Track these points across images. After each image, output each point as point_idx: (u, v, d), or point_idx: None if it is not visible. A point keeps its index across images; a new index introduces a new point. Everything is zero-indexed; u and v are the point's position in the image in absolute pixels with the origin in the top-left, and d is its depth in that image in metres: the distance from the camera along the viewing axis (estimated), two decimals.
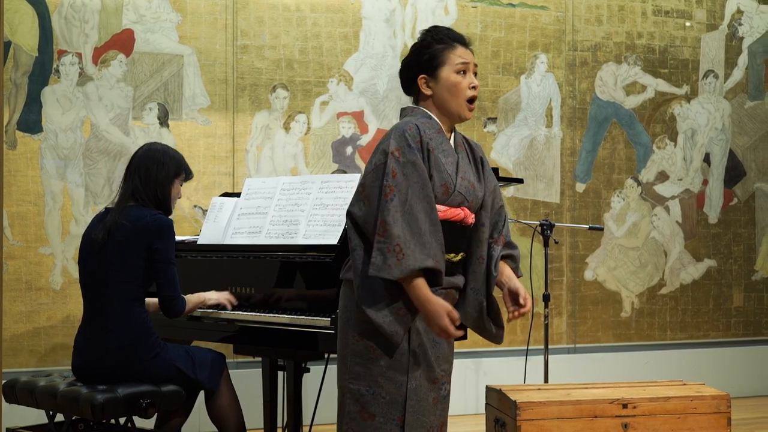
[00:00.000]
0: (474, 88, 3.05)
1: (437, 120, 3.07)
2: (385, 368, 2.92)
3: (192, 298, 3.94)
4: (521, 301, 3.03)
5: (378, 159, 2.93)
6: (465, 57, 3.05)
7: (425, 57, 3.06)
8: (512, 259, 3.15)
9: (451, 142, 3.09)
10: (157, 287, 3.78)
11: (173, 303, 3.79)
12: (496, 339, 3.13)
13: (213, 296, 4.02)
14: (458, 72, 3.03)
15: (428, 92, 3.07)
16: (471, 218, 3.05)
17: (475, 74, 3.09)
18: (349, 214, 2.97)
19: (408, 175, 2.88)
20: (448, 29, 3.11)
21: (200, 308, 4.00)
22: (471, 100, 3.06)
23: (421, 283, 2.85)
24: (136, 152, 3.94)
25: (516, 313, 3.05)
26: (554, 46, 6.20)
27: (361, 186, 2.95)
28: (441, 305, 2.85)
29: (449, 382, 3.09)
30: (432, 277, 2.90)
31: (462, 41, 3.07)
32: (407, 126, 2.95)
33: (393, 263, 2.81)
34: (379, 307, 2.88)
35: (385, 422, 2.92)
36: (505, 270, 3.11)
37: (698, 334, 6.53)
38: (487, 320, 3.08)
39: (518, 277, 3.16)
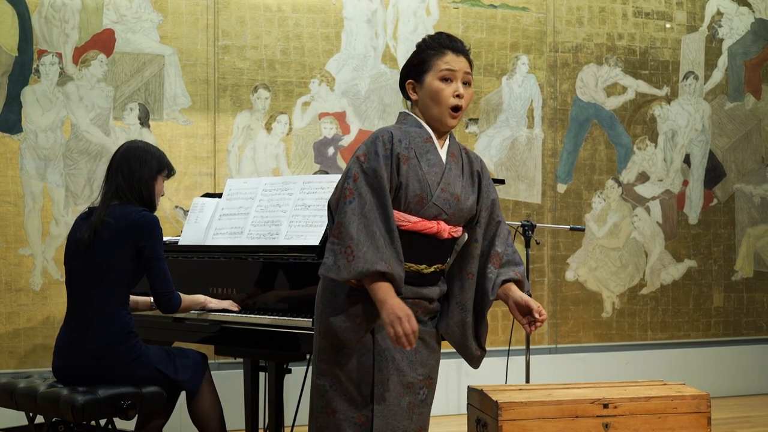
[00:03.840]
0: (459, 96, 2.99)
1: (427, 128, 3.04)
2: (345, 366, 2.94)
3: (189, 297, 3.92)
4: (535, 314, 2.99)
5: (349, 162, 2.95)
6: (452, 64, 2.99)
7: (415, 62, 3.05)
8: (518, 284, 3.09)
9: (443, 151, 3.05)
10: (150, 285, 3.77)
11: (168, 299, 3.77)
12: (475, 361, 3.11)
13: (215, 302, 4.01)
14: (442, 79, 2.98)
15: (414, 97, 3.05)
16: (447, 232, 3.00)
17: (467, 83, 3.02)
18: (329, 206, 3.00)
19: (367, 181, 2.88)
20: (449, 36, 3.06)
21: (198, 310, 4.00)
22: (455, 109, 3.00)
23: (382, 285, 2.83)
24: (117, 150, 3.92)
25: (533, 327, 3.01)
26: (535, 48, 6.22)
27: (336, 188, 2.97)
28: (398, 310, 2.81)
29: (430, 387, 3.06)
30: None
31: (453, 48, 3.01)
32: (382, 133, 2.95)
33: (342, 265, 2.81)
34: (337, 312, 2.91)
35: (344, 419, 2.94)
36: (510, 287, 3.07)
37: (679, 334, 6.56)
38: (470, 340, 3.07)
39: (524, 289, 3.11)
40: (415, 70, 3.04)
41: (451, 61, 3.00)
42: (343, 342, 2.90)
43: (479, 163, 3.15)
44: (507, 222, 5.46)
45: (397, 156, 2.92)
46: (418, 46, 3.07)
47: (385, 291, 2.83)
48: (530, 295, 3.08)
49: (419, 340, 3.01)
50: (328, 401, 2.96)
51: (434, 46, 3.02)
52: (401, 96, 3.17)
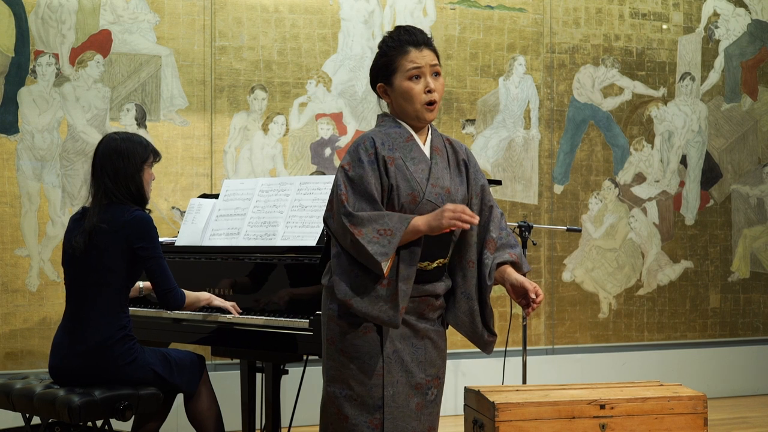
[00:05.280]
0: (431, 91, 2.99)
1: (407, 127, 3.05)
2: (355, 371, 2.95)
3: (194, 294, 3.92)
4: (532, 295, 3.01)
5: (336, 173, 2.98)
6: (417, 61, 2.98)
7: (380, 64, 3.04)
8: (514, 265, 3.10)
9: (426, 146, 3.06)
10: (152, 285, 3.76)
11: (172, 295, 3.76)
12: (487, 347, 3.13)
13: (219, 300, 4.01)
14: (411, 78, 2.98)
15: (387, 100, 3.07)
16: None
17: (437, 74, 3.02)
18: (325, 222, 3.01)
19: (354, 189, 2.91)
20: (405, 30, 3.04)
21: (203, 307, 4.01)
22: (430, 103, 3.00)
23: (415, 221, 2.88)
24: (98, 147, 3.84)
25: (530, 308, 3.04)
26: (532, 48, 6.22)
27: (330, 202, 2.99)
28: (437, 212, 2.88)
29: (438, 386, 3.08)
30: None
31: (414, 43, 3.00)
32: (363, 140, 2.97)
33: (390, 240, 2.84)
34: (374, 301, 2.89)
35: (357, 424, 2.95)
36: (504, 270, 3.09)
37: (675, 334, 6.56)
38: (480, 327, 3.08)
39: (526, 271, 3.13)
40: (382, 73, 3.04)
41: (415, 58, 2.99)
42: (388, 325, 2.91)
43: (464, 152, 3.16)
44: None
45: (383, 159, 2.94)
46: (380, 47, 3.06)
47: (419, 219, 2.89)
48: (525, 275, 3.10)
49: (428, 339, 3.04)
50: (339, 408, 2.97)
51: (396, 45, 3.01)
52: None
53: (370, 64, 3.13)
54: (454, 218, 2.85)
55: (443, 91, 3.07)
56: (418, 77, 2.99)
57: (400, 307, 2.89)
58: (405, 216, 2.89)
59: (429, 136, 3.09)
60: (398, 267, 2.91)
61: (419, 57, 2.99)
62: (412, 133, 3.05)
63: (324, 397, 3.02)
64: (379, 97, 3.10)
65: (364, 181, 2.91)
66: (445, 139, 3.15)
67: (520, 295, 3.05)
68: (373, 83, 3.09)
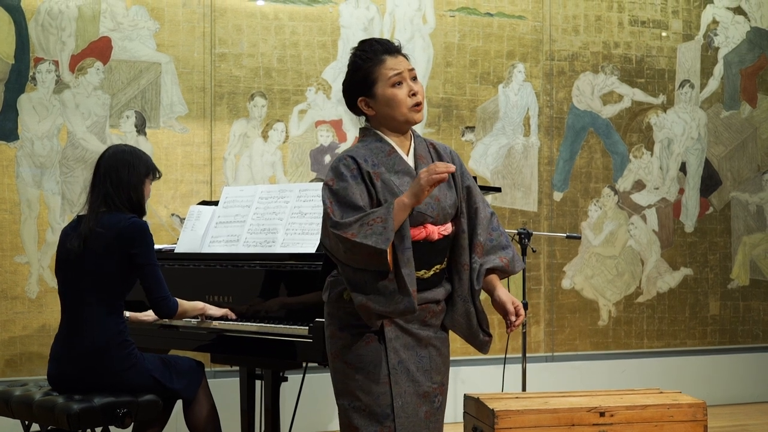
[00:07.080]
0: (415, 94, 3.00)
1: (389, 140, 3.04)
2: (361, 381, 2.96)
3: (188, 303, 3.92)
4: (511, 317, 3.03)
5: (321, 192, 2.97)
6: (396, 67, 2.99)
7: (358, 78, 3.02)
8: (501, 270, 3.11)
9: (410, 157, 3.06)
10: (145, 291, 3.76)
11: (164, 303, 3.76)
12: (484, 347, 3.13)
13: (214, 309, 4.01)
14: (393, 85, 2.98)
15: (371, 112, 3.04)
16: (436, 233, 3.02)
17: (414, 78, 3.02)
18: (323, 245, 3.00)
19: (339, 201, 2.91)
20: (376, 41, 3.04)
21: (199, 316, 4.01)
22: (415, 105, 3.01)
23: (397, 200, 2.86)
24: (102, 155, 3.89)
25: (511, 328, 3.05)
26: (532, 56, 6.22)
27: (323, 221, 2.97)
28: (414, 181, 2.87)
29: (443, 393, 3.09)
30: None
31: (389, 51, 3.01)
32: (343, 157, 2.98)
33: (383, 227, 2.82)
34: (390, 297, 2.88)
35: None
36: (493, 281, 3.10)
37: (675, 342, 6.56)
38: (476, 329, 3.09)
39: (514, 272, 3.14)
40: (362, 86, 3.02)
41: (393, 65, 3.00)
42: (406, 312, 2.89)
43: (449, 154, 3.15)
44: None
45: (368, 173, 2.94)
46: (354, 62, 3.04)
47: (400, 197, 2.88)
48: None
49: (432, 347, 3.05)
50: (349, 420, 2.97)
51: (371, 57, 3.01)
52: None
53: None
54: (430, 176, 2.82)
55: (424, 93, 3.07)
56: (399, 83, 2.99)
57: (411, 290, 2.88)
58: (386, 203, 2.89)
59: (412, 145, 3.09)
60: (396, 256, 2.90)
61: (397, 63, 3.00)
62: (394, 145, 3.04)
63: (339, 411, 3.03)
64: (358, 113, 3.08)
65: (348, 191, 2.90)
66: (429, 144, 3.14)
67: (503, 313, 3.08)
68: (352, 100, 3.06)
